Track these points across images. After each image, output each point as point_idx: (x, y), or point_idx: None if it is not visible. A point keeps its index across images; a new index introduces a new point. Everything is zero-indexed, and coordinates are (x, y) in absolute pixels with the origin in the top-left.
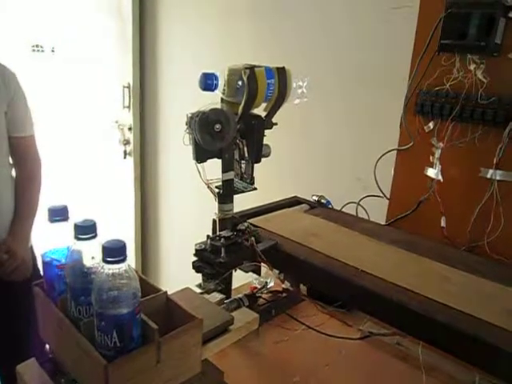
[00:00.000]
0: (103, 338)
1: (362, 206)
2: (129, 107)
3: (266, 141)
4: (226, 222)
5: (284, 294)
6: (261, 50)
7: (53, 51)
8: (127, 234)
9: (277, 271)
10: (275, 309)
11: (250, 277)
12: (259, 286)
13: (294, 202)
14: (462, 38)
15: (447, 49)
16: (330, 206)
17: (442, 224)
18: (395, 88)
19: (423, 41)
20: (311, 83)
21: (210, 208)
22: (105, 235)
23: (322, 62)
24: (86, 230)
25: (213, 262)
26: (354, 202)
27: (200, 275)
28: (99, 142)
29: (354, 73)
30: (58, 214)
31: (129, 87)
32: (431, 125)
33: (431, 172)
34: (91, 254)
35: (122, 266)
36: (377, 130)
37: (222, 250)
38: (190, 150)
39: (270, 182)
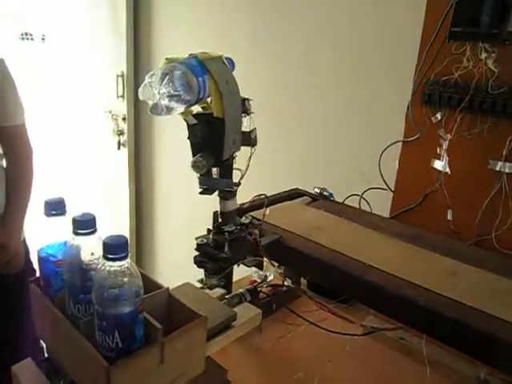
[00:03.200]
0: (104, 338)
1: (364, 199)
2: (123, 96)
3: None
4: (229, 215)
5: (284, 288)
6: (257, 41)
7: (43, 39)
8: (122, 226)
9: (276, 264)
10: (276, 303)
11: (249, 270)
12: (259, 280)
13: (294, 194)
14: (474, 25)
15: (458, 36)
16: (332, 199)
17: (449, 217)
18: (400, 77)
19: (432, 28)
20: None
21: (206, 199)
22: (99, 228)
23: (322, 50)
24: (85, 225)
25: (216, 257)
26: (357, 195)
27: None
28: (92, 132)
29: (357, 61)
30: (55, 208)
31: (122, 76)
32: (439, 116)
33: (438, 164)
34: (90, 249)
35: (124, 263)
36: (380, 122)
37: (226, 244)
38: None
39: (269, 174)
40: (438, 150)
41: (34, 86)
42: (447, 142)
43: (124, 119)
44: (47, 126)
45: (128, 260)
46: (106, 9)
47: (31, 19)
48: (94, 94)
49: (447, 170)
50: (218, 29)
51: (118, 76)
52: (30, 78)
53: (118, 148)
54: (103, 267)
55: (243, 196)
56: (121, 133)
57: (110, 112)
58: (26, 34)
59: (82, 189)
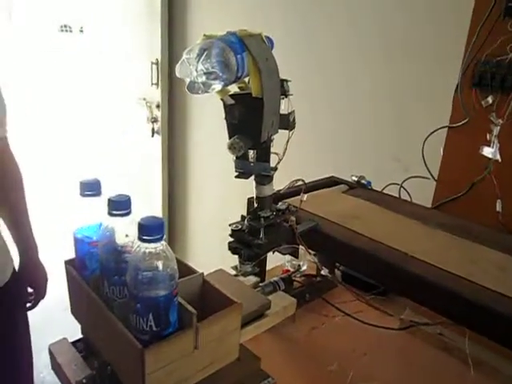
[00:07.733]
0: (138, 320)
1: (404, 188)
2: (157, 84)
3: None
4: (265, 201)
5: (318, 279)
6: (291, 25)
7: (81, 31)
8: (154, 213)
9: (313, 253)
10: (309, 293)
11: (282, 259)
12: (292, 270)
13: (331, 182)
14: None
15: None
16: (370, 187)
17: (498, 208)
18: (447, 58)
19: (485, 4)
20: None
21: (239, 188)
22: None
23: (362, 28)
24: (120, 206)
25: (251, 243)
26: (396, 184)
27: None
28: (127, 119)
29: (399, 41)
30: (90, 189)
31: (157, 63)
32: (490, 99)
33: (487, 151)
34: (125, 231)
35: (159, 245)
36: (421, 107)
37: (262, 230)
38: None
39: (302, 161)
40: (488, 136)
41: (72, 76)
42: (498, 127)
43: (158, 107)
44: (84, 113)
45: (163, 242)
46: None
47: (70, 12)
48: (129, 81)
49: (498, 157)
50: (252, 14)
51: (152, 64)
52: (69, 69)
53: (152, 135)
54: (138, 248)
55: (278, 184)
56: (155, 120)
57: (145, 99)
58: (65, 26)
59: (116, 175)
